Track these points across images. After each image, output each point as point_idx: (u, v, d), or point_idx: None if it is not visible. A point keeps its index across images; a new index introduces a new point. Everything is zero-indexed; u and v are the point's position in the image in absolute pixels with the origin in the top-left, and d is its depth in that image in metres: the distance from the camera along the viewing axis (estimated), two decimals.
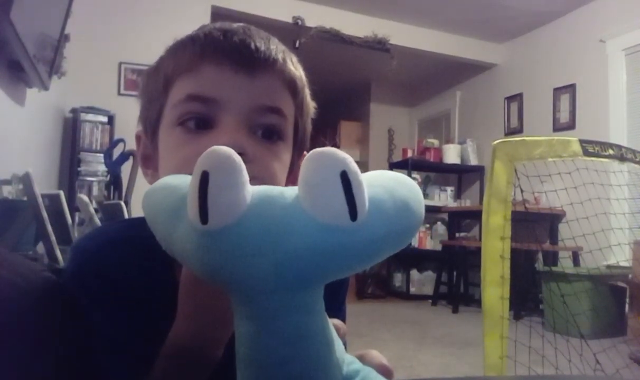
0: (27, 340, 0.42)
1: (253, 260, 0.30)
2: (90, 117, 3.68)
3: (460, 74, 5.71)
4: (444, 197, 5.43)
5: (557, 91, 4.56)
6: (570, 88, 4.44)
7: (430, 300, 4.76)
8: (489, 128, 5.35)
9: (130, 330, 0.49)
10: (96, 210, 1.83)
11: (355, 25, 4.62)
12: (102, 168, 3.52)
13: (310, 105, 0.59)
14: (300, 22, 4.39)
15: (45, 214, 1.57)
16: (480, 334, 1.79)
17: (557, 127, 4.53)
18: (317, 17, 4.44)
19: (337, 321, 0.42)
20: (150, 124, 0.55)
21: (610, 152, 2.07)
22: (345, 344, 0.48)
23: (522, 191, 1.99)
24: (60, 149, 3.74)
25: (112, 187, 2.80)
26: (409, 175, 5.13)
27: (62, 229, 1.69)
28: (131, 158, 2.78)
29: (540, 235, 4.12)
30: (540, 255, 4.07)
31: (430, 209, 5.12)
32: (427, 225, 5.30)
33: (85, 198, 1.77)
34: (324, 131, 6.86)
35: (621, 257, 3.25)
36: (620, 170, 2.88)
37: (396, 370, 0.45)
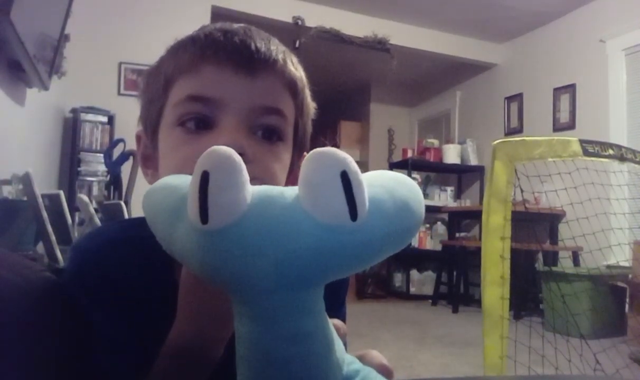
0: (27, 340, 0.42)
1: (253, 260, 0.30)
2: (90, 117, 3.68)
3: (460, 74, 5.71)
4: (444, 197, 5.43)
5: (557, 91, 4.56)
6: (570, 88, 4.44)
7: (430, 300, 4.76)
8: (489, 128, 5.36)
9: (130, 330, 0.49)
10: (96, 210, 1.83)
11: (355, 25, 4.62)
12: (102, 168, 3.52)
13: (311, 105, 0.59)
14: (300, 22, 4.39)
15: (45, 214, 1.57)
16: (480, 334, 1.79)
17: (557, 127, 4.53)
18: (317, 17, 4.44)
19: (337, 321, 0.42)
20: (151, 124, 0.55)
21: (610, 152, 2.08)
22: (345, 344, 0.48)
23: (522, 191, 1.99)
24: (60, 149, 3.74)
25: (112, 187, 2.80)
26: (409, 175, 5.13)
27: (62, 229, 1.69)
28: (131, 158, 2.78)
29: (540, 235, 4.12)
30: (540, 255, 4.07)
31: (430, 209, 5.12)
32: (427, 225, 5.30)
33: (85, 198, 1.77)
34: (324, 131, 6.86)
35: (621, 257, 3.25)
36: (620, 170, 2.88)
37: (396, 370, 0.45)
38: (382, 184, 0.34)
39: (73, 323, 0.47)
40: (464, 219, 5.28)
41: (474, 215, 4.75)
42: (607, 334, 3.06)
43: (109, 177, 2.95)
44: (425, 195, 5.48)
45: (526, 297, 3.94)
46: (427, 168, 5.69)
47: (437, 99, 6.39)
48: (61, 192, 1.76)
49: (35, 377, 0.42)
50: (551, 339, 2.24)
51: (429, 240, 5.24)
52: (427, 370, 2.51)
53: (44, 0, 2.31)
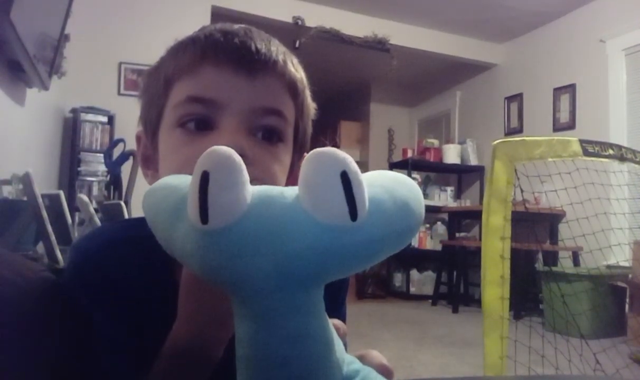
0: (27, 339, 0.42)
1: (253, 260, 0.30)
2: (90, 117, 3.68)
3: (460, 74, 5.71)
4: (444, 197, 5.43)
5: (557, 91, 4.56)
6: (570, 88, 4.44)
7: (430, 300, 4.76)
8: (489, 128, 5.36)
9: (130, 330, 0.49)
10: (96, 210, 1.83)
11: (355, 25, 4.62)
12: (102, 168, 3.51)
13: (311, 106, 0.59)
14: (300, 22, 4.39)
15: (45, 214, 1.57)
16: (480, 334, 1.79)
17: (557, 127, 4.53)
18: (317, 17, 4.44)
19: (337, 321, 0.42)
20: (151, 124, 0.55)
21: (610, 152, 2.07)
22: (345, 344, 0.48)
23: (522, 191, 1.98)
24: (60, 149, 3.74)
25: (112, 187, 2.80)
26: (409, 175, 5.14)
27: (62, 229, 1.69)
28: (131, 158, 2.78)
29: (540, 235, 4.12)
30: (540, 255, 4.07)
31: (430, 209, 5.13)
32: (427, 225, 5.30)
33: (85, 198, 1.77)
34: (324, 131, 6.86)
35: (621, 257, 3.25)
36: (620, 170, 2.88)
37: (396, 370, 0.45)
38: (382, 184, 0.34)
39: (73, 323, 0.47)
40: (464, 219, 5.28)
41: (474, 215, 4.75)
42: (607, 334, 3.06)
43: (109, 177, 2.95)
44: (425, 195, 5.48)
45: (526, 297, 3.94)
46: (427, 168, 5.69)
47: (437, 99, 6.39)
48: (61, 192, 1.76)
49: (35, 377, 0.42)
50: (551, 339, 2.24)
51: (429, 240, 5.24)
52: (427, 370, 2.51)
53: (44, 0, 2.31)
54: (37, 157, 3.01)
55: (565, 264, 3.66)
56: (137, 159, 2.78)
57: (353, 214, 0.30)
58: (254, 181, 0.33)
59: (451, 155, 5.39)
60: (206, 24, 0.57)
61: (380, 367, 0.43)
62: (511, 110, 5.13)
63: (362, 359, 0.43)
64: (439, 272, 4.80)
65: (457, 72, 5.68)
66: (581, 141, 1.97)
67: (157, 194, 0.37)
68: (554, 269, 3.55)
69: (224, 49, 0.50)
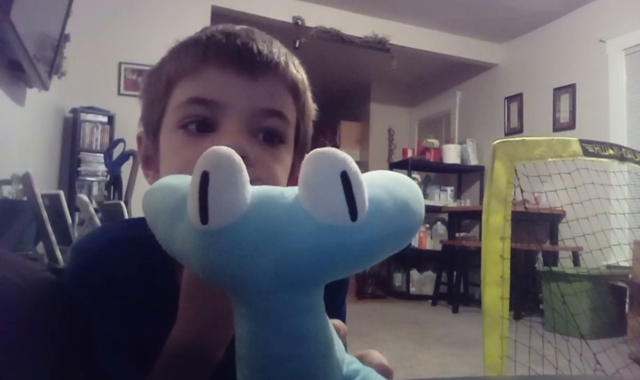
0: (27, 340, 0.42)
1: (253, 261, 0.30)
2: (90, 117, 3.68)
3: (460, 74, 5.71)
4: (444, 197, 5.43)
5: (557, 91, 4.56)
6: (570, 88, 4.44)
7: (430, 300, 4.76)
8: (489, 128, 5.36)
9: (131, 331, 0.49)
10: (96, 210, 1.83)
11: (355, 25, 4.62)
12: (102, 168, 3.52)
13: (312, 107, 0.59)
14: (300, 22, 4.39)
15: (45, 214, 1.57)
16: (480, 334, 1.79)
17: (557, 127, 4.53)
18: (317, 17, 4.44)
19: (337, 321, 0.42)
20: (152, 125, 0.55)
21: (610, 152, 2.07)
22: (345, 345, 0.48)
23: (522, 191, 1.99)
24: (60, 149, 3.74)
25: (112, 187, 2.80)
26: (409, 175, 5.14)
27: (62, 229, 1.69)
28: (131, 158, 2.78)
29: (540, 235, 4.12)
30: (540, 255, 4.07)
31: (430, 209, 5.13)
32: (427, 225, 5.30)
33: (85, 198, 1.77)
34: (324, 131, 6.86)
35: (621, 257, 3.25)
36: (620, 170, 2.88)
37: (396, 370, 0.45)
38: (382, 184, 0.33)
39: (73, 323, 0.47)
40: (464, 219, 5.28)
41: (474, 215, 4.76)
42: (607, 334, 3.06)
43: (109, 177, 2.95)
44: (425, 195, 5.48)
45: (526, 297, 3.94)
46: (427, 168, 5.69)
47: (437, 99, 6.39)
48: (61, 192, 1.76)
49: (35, 378, 0.42)
50: (551, 339, 2.24)
51: (429, 240, 5.24)
52: (427, 370, 2.51)
53: (44, 0, 2.31)
54: (37, 157, 3.01)
55: (565, 264, 3.66)
56: (137, 159, 2.78)
57: (353, 214, 0.30)
58: (255, 182, 0.33)
59: (451, 155, 5.39)
60: (207, 25, 0.57)
61: (380, 367, 0.43)
62: (511, 110, 5.13)
63: (362, 358, 0.43)
64: (439, 272, 4.80)
65: (457, 72, 5.68)
66: (581, 141, 1.97)
67: (157, 194, 0.37)
68: (554, 269, 3.55)
69: (226, 50, 0.50)
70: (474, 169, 5.41)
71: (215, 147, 0.31)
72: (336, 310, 0.58)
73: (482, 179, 5.29)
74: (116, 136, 3.50)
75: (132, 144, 2.56)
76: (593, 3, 4.26)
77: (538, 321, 3.46)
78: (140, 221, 0.41)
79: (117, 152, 2.84)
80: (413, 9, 4.58)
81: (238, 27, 0.53)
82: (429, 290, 4.94)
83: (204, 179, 0.30)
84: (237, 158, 0.31)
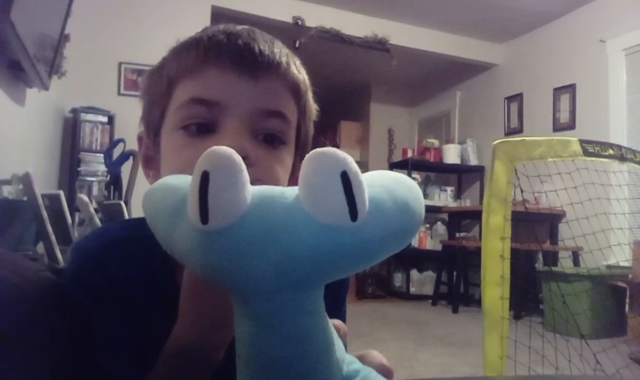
0: (27, 340, 0.42)
1: (253, 261, 0.30)
2: (90, 117, 3.68)
3: (460, 74, 5.71)
4: (444, 197, 5.43)
5: (557, 91, 4.56)
6: (570, 88, 4.44)
7: (430, 300, 4.76)
8: (489, 128, 5.36)
9: (131, 331, 0.49)
10: (96, 210, 1.83)
11: (355, 25, 4.62)
12: (102, 168, 3.52)
13: (313, 108, 0.59)
14: (300, 22, 4.39)
15: (45, 214, 1.57)
16: (480, 334, 1.80)
17: (557, 127, 4.54)
18: (317, 17, 4.44)
19: (337, 321, 0.42)
20: (153, 125, 0.55)
21: (610, 152, 2.07)
22: (345, 345, 0.48)
23: (522, 191, 1.99)
24: (60, 149, 3.74)
25: (112, 187, 2.80)
26: (409, 175, 5.13)
27: (62, 229, 1.69)
28: (131, 158, 2.78)
29: (540, 235, 4.12)
30: (540, 255, 4.08)
31: (430, 209, 5.12)
32: (427, 225, 5.30)
33: (85, 198, 1.77)
34: (324, 131, 6.86)
35: (621, 257, 3.25)
36: (620, 170, 2.88)
37: (396, 370, 0.45)
38: (382, 184, 0.33)
39: (73, 323, 0.47)
40: (464, 219, 5.28)
41: (474, 215, 4.76)
42: (607, 334, 3.06)
43: (109, 177, 2.95)
44: (425, 195, 5.47)
45: (526, 297, 3.94)
46: (427, 168, 5.69)
47: (437, 99, 6.39)
48: (61, 192, 1.76)
49: (36, 378, 0.42)
50: (551, 339, 2.24)
51: (429, 240, 5.24)
52: (427, 370, 2.51)
53: (44, 0, 2.31)
54: (37, 157, 3.01)
55: (565, 264, 3.66)
56: (137, 159, 2.78)
57: (353, 214, 0.30)
58: (256, 183, 0.33)
59: (451, 155, 5.39)
60: (207, 25, 0.57)
61: (380, 367, 0.43)
62: (511, 110, 5.13)
63: (362, 359, 0.43)
64: (439, 272, 4.80)
65: (457, 72, 5.68)
66: (581, 141, 1.97)
67: (157, 194, 0.37)
68: (554, 269, 3.55)
69: (227, 50, 0.50)
70: (474, 169, 5.41)
71: (215, 147, 0.31)
72: (336, 310, 0.57)
73: (482, 179, 5.29)
74: (116, 136, 3.50)
75: (132, 144, 2.56)
76: (593, 3, 4.26)
77: (538, 321, 3.46)
78: (140, 221, 0.41)
79: (117, 152, 2.84)
80: (413, 9, 4.58)
81: (239, 27, 0.53)
82: (429, 290, 4.94)
83: (204, 178, 0.30)
84: (237, 158, 0.31)
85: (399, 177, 0.35)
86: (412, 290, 5.06)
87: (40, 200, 1.57)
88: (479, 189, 5.38)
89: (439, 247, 5.01)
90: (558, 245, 3.97)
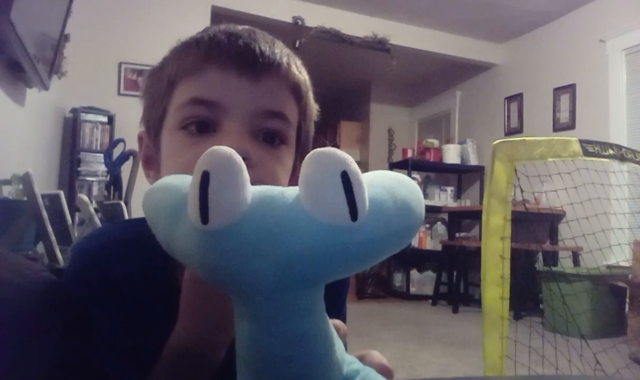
0: (27, 340, 0.42)
1: (254, 261, 0.30)
2: (90, 117, 3.68)
3: (460, 74, 5.71)
4: (444, 197, 5.43)
5: (557, 91, 4.56)
6: (570, 88, 4.44)
7: (430, 300, 4.76)
8: (489, 128, 5.36)
9: (131, 331, 0.49)
10: (96, 210, 1.83)
11: (355, 25, 4.62)
12: (102, 168, 3.52)
13: (314, 108, 0.59)
14: (300, 22, 4.39)
15: (45, 214, 1.57)
16: (480, 334, 1.79)
17: (557, 127, 4.54)
18: (317, 17, 4.44)
19: (337, 321, 0.42)
20: (153, 125, 0.55)
21: (610, 152, 2.07)
22: (345, 345, 0.48)
23: (522, 191, 1.99)
24: (60, 149, 3.74)
25: (112, 187, 2.80)
26: (409, 175, 5.13)
27: (62, 229, 1.69)
28: (131, 158, 2.78)
29: (540, 235, 4.12)
30: (540, 255, 4.08)
31: (430, 209, 5.12)
32: (427, 225, 5.30)
33: (85, 198, 1.77)
34: (324, 131, 6.86)
35: (621, 257, 3.25)
36: (620, 170, 2.88)
37: (396, 370, 0.45)
38: (383, 184, 0.33)
39: (73, 323, 0.47)
40: (464, 219, 5.28)
41: (474, 215, 4.76)
42: (607, 334, 3.06)
43: (109, 177, 2.95)
44: (425, 195, 5.48)
45: (526, 297, 3.94)
46: (427, 168, 5.69)
47: (437, 99, 6.39)
48: (61, 192, 1.76)
49: (36, 378, 0.42)
50: (551, 339, 2.24)
51: (429, 240, 5.24)
52: (427, 370, 2.51)
53: (44, 0, 2.31)
54: (37, 157, 3.01)
55: (565, 264, 3.66)
56: (137, 159, 2.78)
57: (353, 214, 0.30)
58: (256, 183, 0.33)
59: (451, 155, 5.39)
60: (208, 25, 0.57)
61: (380, 367, 0.43)
62: (511, 110, 5.13)
63: (362, 359, 0.43)
64: (439, 272, 4.80)
65: (457, 72, 5.68)
66: (581, 141, 1.97)
67: (157, 194, 0.37)
68: (554, 269, 3.55)
69: (228, 50, 0.50)
70: (474, 169, 5.41)
71: (215, 147, 0.31)
72: (337, 310, 0.58)
73: (482, 179, 5.29)
74: (116, 136, 3.50)
75: (132, 144, 2.56)
76: (593, 3, 4.26)
77: (538, 321, 3.46)
78: (141, 222, 0.41)
79: (117, 152, 2.84)
80: (413, 9, 4.58)
81: (240, 28, 0.53)
82: (429, 290, 4.94)
83: (204, 179, 0.30)
84: (238, 158, 0.31)
85: (400, 177, 0.35)
86: (412, 290, 5.05)
87: (40, 200, 1.57)
88: (479, 189, 5.38)
89: (439, 247, 5.01)
90: (558, 245, 3.97)
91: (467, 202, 5.44)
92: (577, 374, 2.03)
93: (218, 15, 4.13)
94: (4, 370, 0.39)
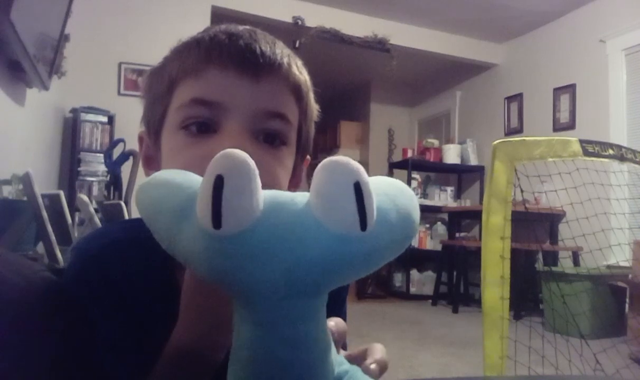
0: (27, 340, 0.42)
1: (264, 267, 0.30)
2: (90, 117, 3.68)
3: (460, 74, 5.71)
4: (444, 197, 5.43)
5: (557, 91, 4.56)
6: (570, 88, 4.44)
7: (430, 300, 4.75)
8: (489, 128, 5.36)
9: (131, 332, 0.49)
10: (96, 210, 1.83)
11: (355, 25, 4.62)
12: (102, 168, 3.52)
13: (314, 109, 0.58)
14: (300, 22, 4.39)
15: (45, 214, 1.57)
16: (480, 334, 1.79)
17: (557, 127, 4.54)
18: (317, 17, 4.44)
19: (332, 323, 0.42)
20: (154, 125, 0.55)
21: (610, 152, 2.07)
22: (345, 345, 0.48)
23: (522, 191, 1.99)
24: (60, 149, 3.74)
25: (112, 187, 2.80)
26: (409, 175, 5.14)
27: (62, 229, 1.69)
28: (131, 158, 2.78)
29: (540, 235, 4.12)
30: (540, 255, 4.07)
31: (430, 209, 5.13)
32: (427, 225, 5.30)
33: (85, 198, 1.77)
34: (324, 131, 6.86)
35: (621, 257, 3.25)
36: (620, 170, 2.88)
37: (396, 370, 0.45)
38: (386, 192, 0.34)
39: (73, 323, 0.47)
40: (464, 219, 5.27)
41: (474, 215, 4.75)
42: (607, 334, 3.06)
43: (109, 177, 2.95)
44: (425, 195, 5.48)
45: (526, 297, 3.94)
46: (427, 168, 5.68)
47: (437, 99, 6.39)
48: (61, 192, 1.76)
49: (36, 378, 0.42)
50: (551, 339, 2.24)
51: (429, 240, 5.23)
52: (427, 370, 2.51)
53: (44, 0, 2.31)
54: (37, 157, 3.01)
55: (565, 264, 3.66)
56: (137, 159, 2.78)
57: (363, 224, 0.30)
58: None
59: (451, 155, 5.39)
60: (208, 24, 0.57)
61: (375, 362, 0.43)
62: (511, 110, 5.13)
63: (365, 352, 0.44)
64: (439, 272, 4.80)
65: (457, 72, 5.68)
66: (581, 141, 1.97)
67: (157, 190, 0.36)
68: (554, 269, 3.55)
69: (229, 51, 0.50)
70: (474, 169, 5.41)
71: (229, 150, 0.30)
72: (337, 310, 0.58)
73: (482, 179, 5.29)
74: (116, 136, 3.51)
75: (132, 144, 2.56)
76: (593, 3, 4.26)
77: (538, 321, 3.46)
78: (141, 222, 0.41)
79: (117, 152, 2.84)
80: (413, 9, 4.58)
81: (241, 28, 0.53)
82: (429, 290, 4.93)
83: (218, 182, 0.29)
84: (252, 163, 0.30)
85: (399, 184, 0.36)
86: (412, 290, 5.05)
87: (40, 200, 1.57)
88: (479, 189, 5.38)
89: (439, 247, 5.01)
90: (558, 245, 3.97)
91: (467, 202, 5.44)
92: (577, 374, 2.03)
93: (218, 15, 4.13)
94: (4, 370, 0.39)
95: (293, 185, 0.57)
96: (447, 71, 5.76)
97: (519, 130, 4.98)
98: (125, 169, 2.83)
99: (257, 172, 0.31)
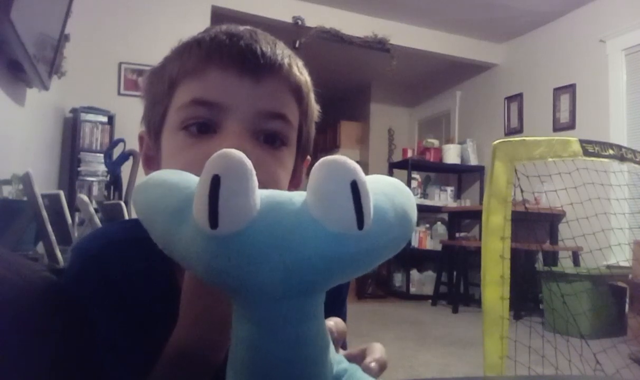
0: (26, 340, 0.42)
1: (262, 267, 0.30)
2: (90, 117, 3.68)
3: (460, 74, 5.71)
4: (444, 197, 5.43)
5: (557, 91, 4.56)
6: (570, 88, 4.44)
7: (430, 300, 4.76)
8: (489, 128, 5.36)
9: (131, 332, 0.49)
10: (96, 210, 1.83)
11: (355, 25, 4.62)
12: (102, 168, 3.52)
13: (315, 109, 0.58)
14: (300, 22, 4.39)
15: (45, 214, 1.57)
16: (480, 334, 1.79)
17: (557, 127, 4.54)
18: (317, 17, 4.44)
19: (331, 322, 0.42)
20: (154, 125, 0.55)
21: (610, 152, 2.07)
22: (345, 345, 0.48)
23: (522, 191, 1.99)
24: (60, 149, 3.74)
25: (112, 187, 2.80)
26: (409, 175, 5.14)
27: (62, 229, 1.69)
28: (131, 158, 2.78)
29: (540, 235, 4.12)
30: (540, 255, 4.07)
31: (430, 209, 5.13)
32: (427, 225, 5.30)
33: (85, 198, 1.77)
34: (324, 131, 6.86)
35: (621, 257, 3.25)
36: (620, 170, 2.88)
37: (396, 370, 0.45)
38: (384, 191, 0.34)
39: (73, 323, 0.47)
40: (464, 219, 5.28)
41: (474, 215, 4.75)
42: (607, 334, 3.06)
43: (109, 177, 2.95)
44: (425, 195, 5.48)
45: (526, 297, 3.94)
46: (427, 168, 5.69)
47: (437, 99, 6.39)
48: (61, 192, 1.76)
49: (36, 378, 0.42)
50: (551, 339, 2.24)
51: (429, 240, 5.24)
52: (427, 370, 2.51)
53: (44, 0, 2.31)
54: (37, 157, 3.01)
55: (565, 264, 3.66)
56: (137, 159, 2.78)
57: (360, 222, 0.30)
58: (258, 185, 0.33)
59: (451, 155, 5.39)
60: (208, 25, 0.57)
61: (374, 361, 0.43)
62: (511, 110, 5.13)
63: (364, 351, 0.44)
64: (439, 272, 4.81)
65: (457, 72, 5.68)
66: (581, 141, 1.97)
67: (154, 191, 0.36)
68: (554, 269, 3.55)
69: (229, 51, 0.50)
70: (474, 169, 5.41)
71: (225, 150, 0.30)
72: (337, 310, 0.57)
73: (482, 179, 5.29)
74: (116, 136, 3.50)
75: (132, 144, 2.56)
76: (593, 3, 4.26)
77: (538, 321, 3.46)
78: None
79: (117, 152, 2.84)
80: (413, 9, 4.58)
81: (242, 28, 0.53)
82: (429, 290, 4.94)
83: (215, 182, 0.29)
84: (249, 163, 0.30)
85: (397, 183, 0.36)
86: (412, 290, 5.06)
87: (40, 200, 1.57)
88: (479, 189, 5.38)
89: (439, 247, 5.01)
90: (558, 245, 3.97)
91: (467, 202, 5.44)
92: (577, 374, 2.03)
93: (218, 15, 4.13)
94: (4, 370, 0.39)
95: (293, 186, 0.57)
96: (447, 71, 5.76)
97: (519, 130, 4.98)
98: (125, 169, 2.83)
99: (253, 172, 0.31)
